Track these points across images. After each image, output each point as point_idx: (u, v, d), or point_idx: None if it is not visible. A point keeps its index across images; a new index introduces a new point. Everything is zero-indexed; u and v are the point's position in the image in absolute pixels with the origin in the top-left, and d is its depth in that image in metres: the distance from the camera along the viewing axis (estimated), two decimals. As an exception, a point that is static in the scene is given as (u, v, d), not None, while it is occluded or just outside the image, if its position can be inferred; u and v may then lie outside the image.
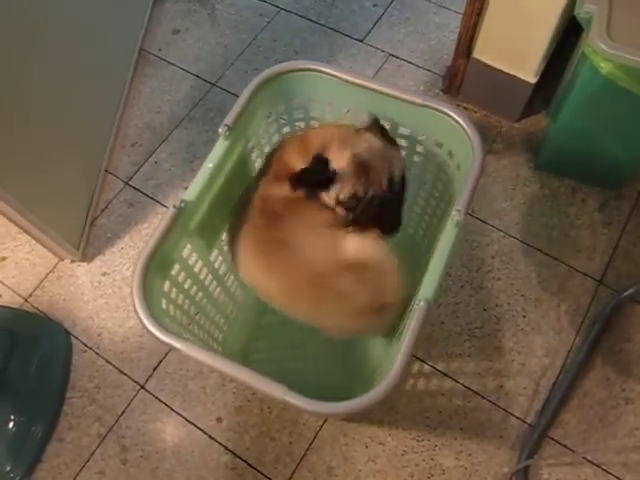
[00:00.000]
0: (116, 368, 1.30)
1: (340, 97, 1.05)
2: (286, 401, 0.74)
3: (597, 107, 1.21)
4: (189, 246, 0.99)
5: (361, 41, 1.70)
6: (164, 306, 0.93)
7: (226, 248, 1.12)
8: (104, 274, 1.41)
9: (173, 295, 0.97)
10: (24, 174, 1.23)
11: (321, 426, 1.22)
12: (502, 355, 1.27)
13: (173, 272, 0.96)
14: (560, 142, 1.37)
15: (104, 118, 1.57)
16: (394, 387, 0.74)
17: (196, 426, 1.23)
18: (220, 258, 1.13)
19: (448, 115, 0.96)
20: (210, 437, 1.22)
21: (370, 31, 1.72)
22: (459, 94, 1.56)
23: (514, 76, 1.40)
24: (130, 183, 1.53)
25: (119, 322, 1.35)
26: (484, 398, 1.23)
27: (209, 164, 0.94)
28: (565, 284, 1.34)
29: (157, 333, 0.81)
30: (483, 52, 1.40)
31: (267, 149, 1.14)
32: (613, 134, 1.27)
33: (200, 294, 1.09)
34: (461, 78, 1.50)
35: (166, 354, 1.31)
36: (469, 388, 1.24)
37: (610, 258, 1.36)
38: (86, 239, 1.44)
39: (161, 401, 1.27)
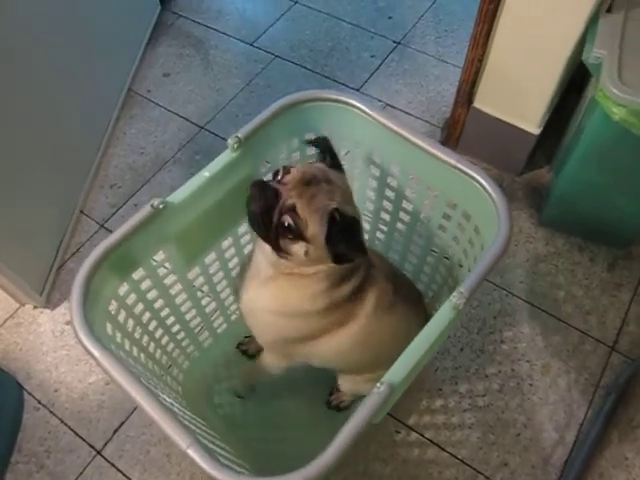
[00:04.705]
0: (71, 429, 1.15)
1: (367, 137, 0.95)
2: (188, 455, 0.60)
3: (607, 158, 1.13)
4: (162, 254, 0.88)
5: (357, 90, 1.65)
6: (112, 309, 0.81)
7: (212, 269, 1.02)
8: (68, 323, 1.28)
9: (130, 301, 0.86)
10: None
11: (300, 505, 1.06)
12: (506, 428, 1.14)
13: (135, 276, 0.86)
14: (565, 197, 1.29)
15: (84, 156, 1.48)
16: (317, 476, 0.59)
17: (156, 501, 1.07)
18: (201, 279, 1.02)
19: (486, 191, 0.83)
20: (172, 515, 1.06)
21: (367, 81, 1.68)
22: (458, 146, 1.49)
23: (516, 127, 1.33)
24: (105, 226, 1.42)
25: (79, 377, 1.21)
26: (487, 478, 1.08)
27: (205, 173, 0.85)
28: (574, 350, 1.22)
29: (80, 331, 0.68)
30: (484, 101, 1.35)
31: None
32: (623, 188, 1.19)
33: (167, 310, 0.98)
34: (461, 128, 1.44)
35: (129, 415, 1.16)
36: (470, 465, 1.09)
37: (622, 322, 1.25)
38: (52, 284, 1.32)
39: (119, 470, 1.11)
